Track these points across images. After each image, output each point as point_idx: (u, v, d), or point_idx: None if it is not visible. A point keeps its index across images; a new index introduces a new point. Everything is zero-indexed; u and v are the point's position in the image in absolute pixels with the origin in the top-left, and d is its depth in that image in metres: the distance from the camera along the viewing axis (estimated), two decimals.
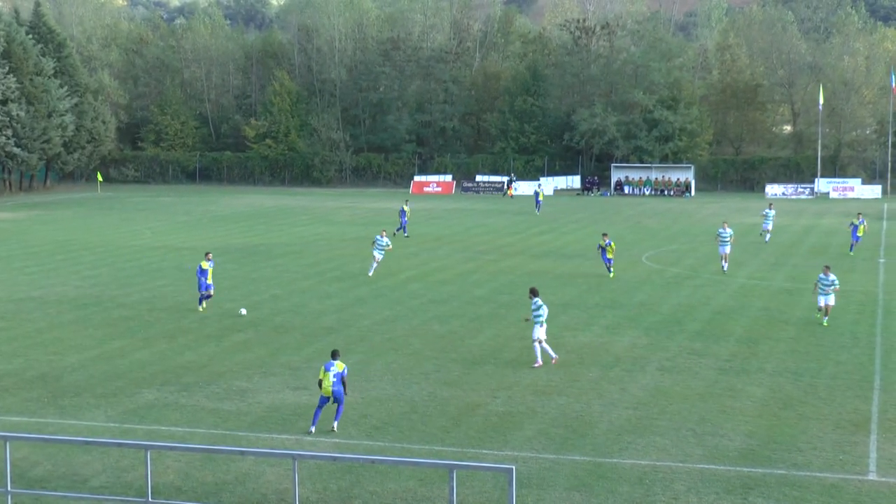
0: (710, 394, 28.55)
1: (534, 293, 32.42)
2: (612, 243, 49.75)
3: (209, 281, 41.00)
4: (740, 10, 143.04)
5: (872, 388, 29.15)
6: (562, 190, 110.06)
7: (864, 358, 32.77)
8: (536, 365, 31.40)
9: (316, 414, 25.24)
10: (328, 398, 24.96)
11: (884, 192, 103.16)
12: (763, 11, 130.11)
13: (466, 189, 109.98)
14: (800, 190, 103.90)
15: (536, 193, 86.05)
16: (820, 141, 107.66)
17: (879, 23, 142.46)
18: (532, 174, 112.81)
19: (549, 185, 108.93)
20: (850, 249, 57.64)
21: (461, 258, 56.70)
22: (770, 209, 65.10)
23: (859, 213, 61.54)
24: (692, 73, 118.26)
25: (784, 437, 24.72)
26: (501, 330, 37.19)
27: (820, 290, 38.07)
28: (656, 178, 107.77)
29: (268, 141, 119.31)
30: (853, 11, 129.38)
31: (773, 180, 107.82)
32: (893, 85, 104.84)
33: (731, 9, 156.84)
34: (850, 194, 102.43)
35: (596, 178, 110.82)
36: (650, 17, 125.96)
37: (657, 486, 21.62)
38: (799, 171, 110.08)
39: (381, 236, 50.81)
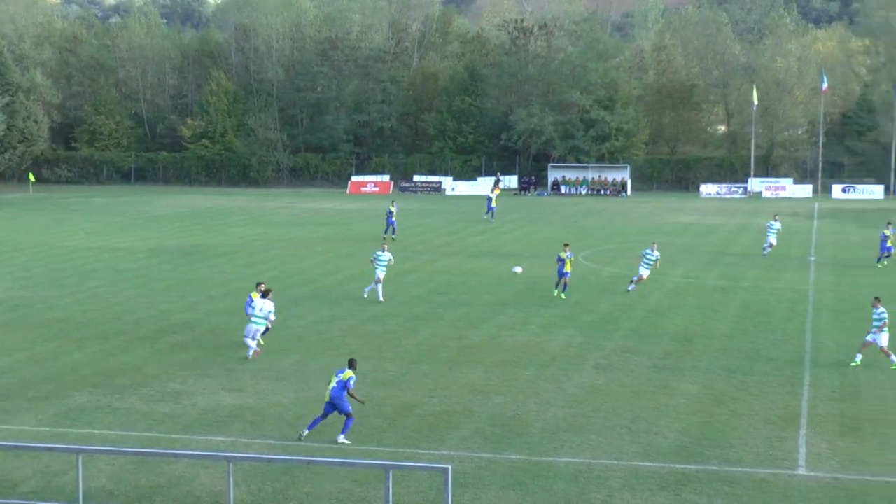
0: (644, 392, 28.81)
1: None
2: (573, 256, 44.94)
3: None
4: (676, 12, 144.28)
5: (802, 384, 29.58)
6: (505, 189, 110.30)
7: (794, 355, 33.24)
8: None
9: (315, 420, 24.77)
10: (331, 406, 24.35)
11: (815, 191, 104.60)
12: (698, 12, 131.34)
13: (404, 189, 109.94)
14: (733, 189, 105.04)
15: (490, 199, 79.35)
16: (753, 141, 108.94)
17: (811, 25, 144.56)
18: (469, 174, 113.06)
19: (486, 184, 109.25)
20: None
21: (399, 258, 56.51)
22: (775, 221, 59.88)
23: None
24: (629, 73, 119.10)
25: (717, 434, 25.01)
26: (438, 330, 37.24)
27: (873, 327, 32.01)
28: (593, 178, 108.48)
29: (204, 141, 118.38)
30: (786, 14, 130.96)
31: (708, 180, 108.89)
32: (824, 86, 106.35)
33: (668, 10, 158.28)
34: (783, 193, 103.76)
35: (533, 177, 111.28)
36: (587, 18, 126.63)
37: (592, 483, 21.78)
38: (733, 171, 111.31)
39: (383, 250, 44.01)
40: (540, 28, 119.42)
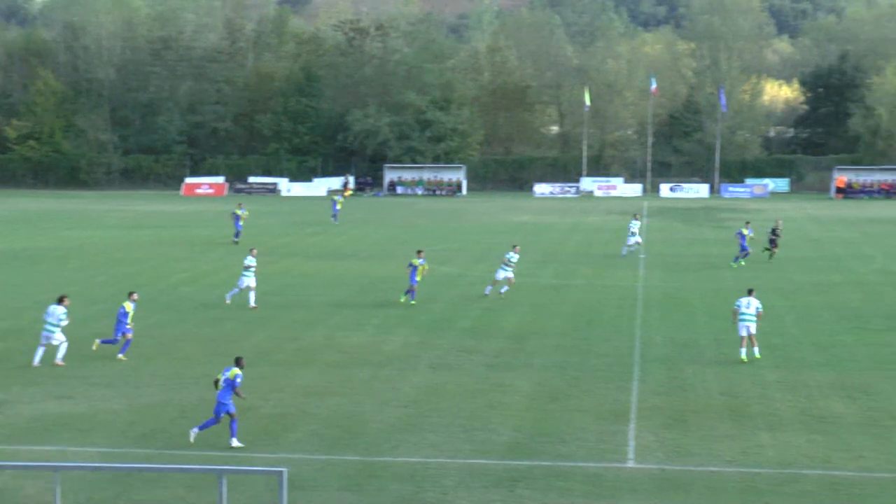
0: (479, 390, 29.14)
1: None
2: (426, 263, 42.96)
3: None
4: (510, 14, 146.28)
5: (632, 378, 30.35)
6: (335, 191, 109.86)
7: (624, 350, 34.08)
8: None
9: (207, 422, 24.42)
10: (220, 407, 24.04)
11: (644, 190, 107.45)
12: (532, 15, 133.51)
13: (239, 190, 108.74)
14: (566, 189, 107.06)
15: (335, 202, 77.69)
16: (585, 141, 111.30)
17: (640, 28, 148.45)
18: (305, 175, 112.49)
19: (321, 186, 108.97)
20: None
21: (234, 261, 55.98)
22: (636, 220, 59.09)
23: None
24: (464, 74, 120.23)
25: (550, 430, 25.48)
26: (274, 332, 36.98)
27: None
28: (429, 179, 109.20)
29: (31, 142, 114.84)
30: (616, 17, 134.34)
31: (541, 179, 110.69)
32: (653, 88, 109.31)
33: (502, 12, 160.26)
34: (614, 192, 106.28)
35: (369, 178, 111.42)
36: (423, 19, 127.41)
37: (427, 482, 21.94)
38: (566, 171, 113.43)
39: (252, 256, 42.66)
40: (376, 29, 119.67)
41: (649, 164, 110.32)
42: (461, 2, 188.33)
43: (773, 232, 56.13)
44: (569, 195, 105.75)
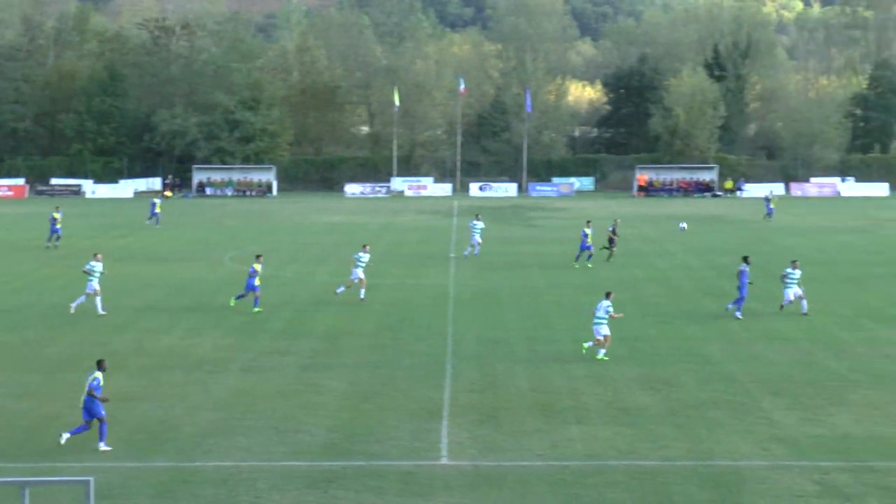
0: (292, 391, 29.01)
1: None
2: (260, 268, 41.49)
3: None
4: (319, 13, 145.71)
5: (444, 376, 30.68)
6: (142, 192, 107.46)
7: (437, 348, 34.42)
8: None
9: (78, 428, 24.23)
10: (87, 413, 24.05)
11: (454, 189, 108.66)
12: (340, 14, 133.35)
13: (41, 192, 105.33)
14: (377, 189, 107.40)
15: (154, 203, 73.98)
16: (395, 141, 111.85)
17: (447, 29, 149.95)
18: (111, 177, 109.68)
19: (128, 187, 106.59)
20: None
21: (36, 265, 54.31)
22: (478, 220, 58.44)
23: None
24: (273, 74, 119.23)
25: (364, 429, 25.55)
26: (81, 337, 36.00)
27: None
28: (238, 179, 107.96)
29: None
30: (424, 18, 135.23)
31: (352, 179, 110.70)
32: (461, 88, 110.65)
33: (311, 11, 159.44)
34: (424, 192, 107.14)
35: (178, 179, 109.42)
36: (230, 18, 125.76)
37: (241, 486, 21.73)
38: (376, 171, 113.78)
39: (97, 260, 41.15)
40: (182, 28, 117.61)
41: (459, 164, 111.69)
42: (269, 1, 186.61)
43: (612, 231, 57.14)
44: (380, 195, 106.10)
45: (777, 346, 34.98)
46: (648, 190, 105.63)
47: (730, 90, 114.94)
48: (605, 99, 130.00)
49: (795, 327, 38.01)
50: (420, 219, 79.65)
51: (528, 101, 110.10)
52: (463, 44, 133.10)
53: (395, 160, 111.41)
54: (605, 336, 32.80)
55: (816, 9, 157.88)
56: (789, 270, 40.90)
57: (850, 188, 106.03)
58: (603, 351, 32.80)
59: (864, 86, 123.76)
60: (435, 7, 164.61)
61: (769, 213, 79.02)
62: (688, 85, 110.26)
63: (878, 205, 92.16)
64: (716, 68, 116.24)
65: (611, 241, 56.55)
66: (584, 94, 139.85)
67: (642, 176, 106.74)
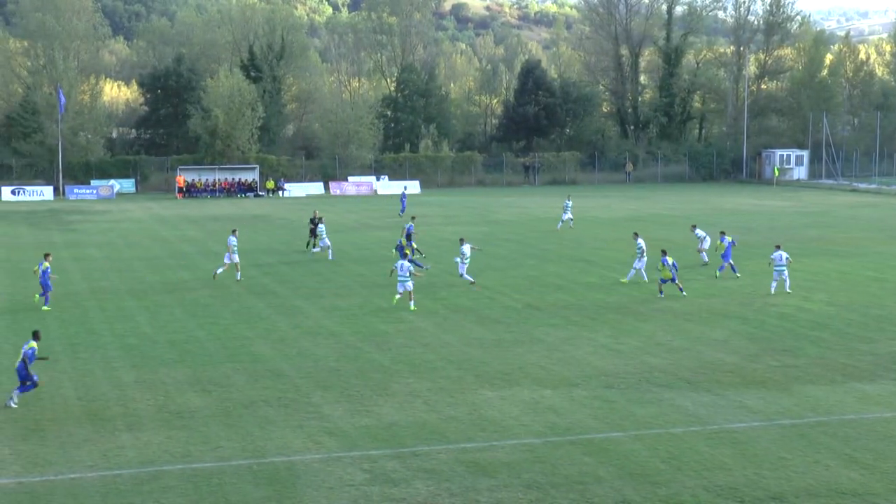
0: None
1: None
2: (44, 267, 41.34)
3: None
4: None
5: None
6: None
7: None
8: None
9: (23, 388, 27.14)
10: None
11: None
12: None
13: None
14: None
15: None
16: None
17: None
18: None
19: None
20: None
21: None
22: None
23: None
24: None
25: None
26: None
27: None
28: None
29: None
30: None
31: None
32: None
33: None
34: None
35: None
36: None
37: None
38: None
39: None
40: None
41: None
42: None
43: (312, 221, 57.53)
44: None
45: (323, 341, 35.92)
46: (190, 191, 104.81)
47: (267, 91, 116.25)
48: (142, 100, 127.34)
49: (341, 322, 39.16)
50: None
51: (62, 101, 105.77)
52: None
53: None
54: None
55: (345, 14, 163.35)
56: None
57: (385, 186, 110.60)
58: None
59: (393, 88, 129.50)
60: None
61: (403, 211, 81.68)
62: (225, 86, 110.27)
63: (411, 202, 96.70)
64: (252, 69, 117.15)
65: (312, 232, 57.33)
66: (120, 94, 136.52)
67: (181, 177, 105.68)
